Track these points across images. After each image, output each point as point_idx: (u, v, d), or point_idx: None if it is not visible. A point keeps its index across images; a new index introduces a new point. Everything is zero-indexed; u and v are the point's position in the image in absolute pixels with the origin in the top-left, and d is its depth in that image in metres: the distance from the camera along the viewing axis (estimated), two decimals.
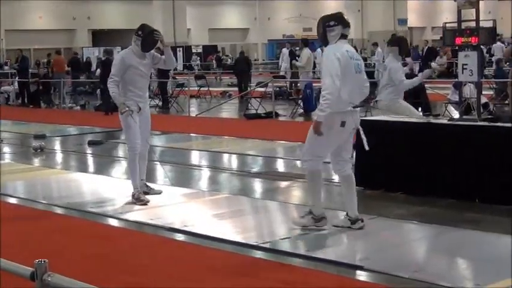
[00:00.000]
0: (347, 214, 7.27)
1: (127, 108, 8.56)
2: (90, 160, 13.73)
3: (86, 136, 16.38)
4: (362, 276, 5.90)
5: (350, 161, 7.49)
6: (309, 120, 19.15)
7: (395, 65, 10.56)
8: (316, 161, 7.16)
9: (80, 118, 21.29)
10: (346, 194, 7.39)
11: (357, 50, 30.33)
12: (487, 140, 8.21)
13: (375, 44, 33.73)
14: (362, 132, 7.24)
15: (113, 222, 8.20)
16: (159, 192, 9.19)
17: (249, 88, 24.79)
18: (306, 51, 21.79)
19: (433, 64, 11.76)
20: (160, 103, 23.76)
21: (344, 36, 7.09)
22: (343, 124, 6.98)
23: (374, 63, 28.76)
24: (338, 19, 7.15)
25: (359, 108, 7.35)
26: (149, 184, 9.28)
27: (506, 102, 16.60)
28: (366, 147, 7.14)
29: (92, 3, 51.89)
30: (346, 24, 7.14)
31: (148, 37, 8.75)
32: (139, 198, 8.68)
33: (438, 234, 7.12)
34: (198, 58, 47.06)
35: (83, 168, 12.69)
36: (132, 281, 5.81)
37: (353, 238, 7.16)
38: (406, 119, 9.93)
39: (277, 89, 23.91)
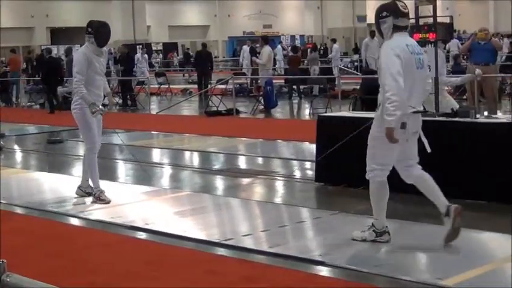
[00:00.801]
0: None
1: (97, 108, 8.48)
2: (50, 159, 13.61)
3: (46, 135, 16.24)
4: (323, 271, 5.92)
5: (416, 164, 6.69)
6: (269, 117, 19.24)
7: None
8: (382, 171, 6.50)
9: (39, 117, 21.09)
10: (430, 194, 6.60)
11: (316, 47, 30.30)
12: (445, 134, 8.30)
13: (333, 40, 33.90)
14: (422, 135, 6.57)
15: (74, 221, 8.13)
16: (93, 193, 8.94)
17: (209, 85, 24.72)
18: (267, 49, 21.80)
19: (477, 71, 11.07)
20: (121, 101, 23.63)
21: (399, 28, 6.30)
22: (403, 126, 6.22)
23: (330, 59, 28.93)
24: (389, 9, 6.35)
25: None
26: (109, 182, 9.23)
27: (464, 97, 16.77)
28: (428, 150, 6.51)
29: (51, 1, 51.40)
30: (399, 14, 6.32)
31: (99, 30, 8.66)
32: (99, 198, 8.62)
33: (399, 229, 7.16)
34: (147, 55, 46.84)
35: (43, 167, 12.58)
36: (93, 280, 5.76)
37: (314, 233, 7.19)
38: (366, 115, 9.98)
39: (238, 86, 23.92)
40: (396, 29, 6.26)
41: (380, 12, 6.35)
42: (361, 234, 6.58)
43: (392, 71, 6.06)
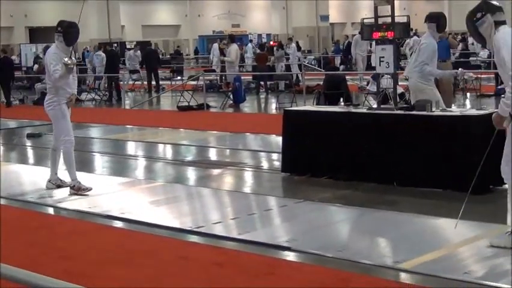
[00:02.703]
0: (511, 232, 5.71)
1: (65, 60, 8.29)
2: (29, 152, 13.48)
3: (25, 129, 16.09)
4: (289, 256, 5.94)
5: None
6: (238, 111, 19.22)
7: (429, 40, 8.98)
8: None
9: (18, 112, 20.87)
10: None
11: (282, 45, 30.17)
12: (403, 127, 8.36)
13: (290, 39, 33.91)
14: None
15: (52, 211, 8.08)
16: (71, 185, 8.86)
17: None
18: (234, 46, 21.78)
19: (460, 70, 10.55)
20: (105, 97, 23.54)
21: (500, 23, 5.64)
22: None
23: (289, 57, 28.88)
24: (484, 7, 5.75)
25: None
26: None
27: None
28: None
29: (29, 2, 50.89)
30: (496, 9, 5.73)
31: (68, 30, 8.54)
32: (80, 188, 8.55)
33: (360, 216, 7.22)
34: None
35: (22, 159, 12.47)
36: (70, 267, 5.71)
37: (281, 221, 7.21)
38: (329, 109, 10.02)
39: (208, 82, 23.85)
40: (498, 24, 5.65)
41: (474, 16, 5.76)
42: (499, 241, 5.77)
43: None
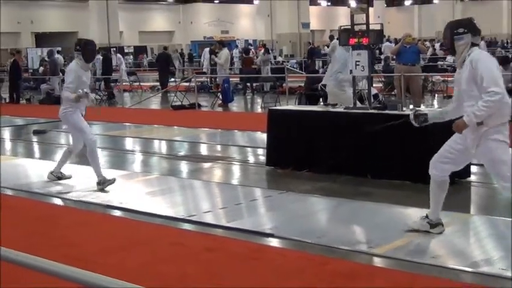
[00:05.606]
0: (426, 216, 5.93)
1: (81, 93, 8.28)
2: (35, 147, 13.42)
3: (31, 126, 16.02)
4: (272, 242, 5.95)
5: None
6: (227, 110, 19.21)
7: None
8: None
9: (25, 110, 20.76)
10: (435, 197, 5.87)
11: (267, 50, 30.12)
12: (377, 125, 8.36)
13: (264, 45, 34.06)
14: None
15: (56, 201, 8.05)
16: (69, 177, 8.98)
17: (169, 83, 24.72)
18: (225, 51, 21.75)
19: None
20: (105, 97, 23.43)
21: (474, 45, 5.44)
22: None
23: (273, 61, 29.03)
24: (468, 26, 5.50)
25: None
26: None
27: (393, 93, 16.96)
28: None
29: (35, 9, 50.61)
30: (477, 32, 5.49)
31: (86, 48, 8.47)
32: (105, 182, 8.36)
33: (338, 206, 7.24)
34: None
35: (29, 154, 12.41)
36: (70, 252, 5.68)
37: (265, 210, 7.22)
38: (309, 108, 10.04)
39: (200, 83, 23.81)
40: (472, 45, 5.43)
41: (456, 28, 5.50)
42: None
43: (499, 81, 5.27)
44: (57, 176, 8.94)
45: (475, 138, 5.40)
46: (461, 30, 5.46)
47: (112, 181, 8.41)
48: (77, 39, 8.83)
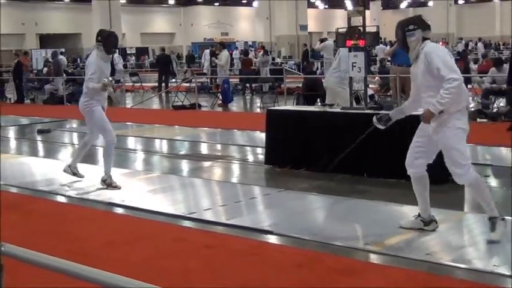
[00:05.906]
0: (418, 215, 5.97)
1: (106, 81, 8.05)
2: (39, 146, 13.42)
3: (36, 125, 16.02)
4: (271, 239, 5.96)
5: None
6: (226, 110, 19.21)
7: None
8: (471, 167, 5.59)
9: (29, 110, 20.76)
10: (420, 194, 5.92)
11: (266, 52, 30.05)
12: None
13: (263, 47, 33.95)
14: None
15: (60, 198, 8.06)
16: (82, 176, 8.77)
17: (170, 84, 24.65)
18: (225, 52, 21.75)
19: None
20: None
21: (426, 39, 5.63)
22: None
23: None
24: (417, 22, 5.70)
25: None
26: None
27: (389, 93, 16.97)
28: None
29: (39, 11, 50.61)
30: (426, 26, 5.68)
31: (107, 39, 8.20)
32: (110, 184, 8.27)
33: (334, 203, 7.24)
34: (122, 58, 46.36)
35: (33, 153, 12.41)
36: (74, 248, 5.69)
37: (264, 208, 7.22)
38: (307, 108, 10.04)
39: (200, 84, 23.82)
40: (423, 40, 5.60)
41: (406, 26, 5.67)
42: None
43: (455, 68, 5.41)
44: (73, 172, 8.72)
45: (436, 126, 5.53)
46: (411, 27, 5.64)
47: (117, 187, 8.24)
48: (99, 30, 8.49)
